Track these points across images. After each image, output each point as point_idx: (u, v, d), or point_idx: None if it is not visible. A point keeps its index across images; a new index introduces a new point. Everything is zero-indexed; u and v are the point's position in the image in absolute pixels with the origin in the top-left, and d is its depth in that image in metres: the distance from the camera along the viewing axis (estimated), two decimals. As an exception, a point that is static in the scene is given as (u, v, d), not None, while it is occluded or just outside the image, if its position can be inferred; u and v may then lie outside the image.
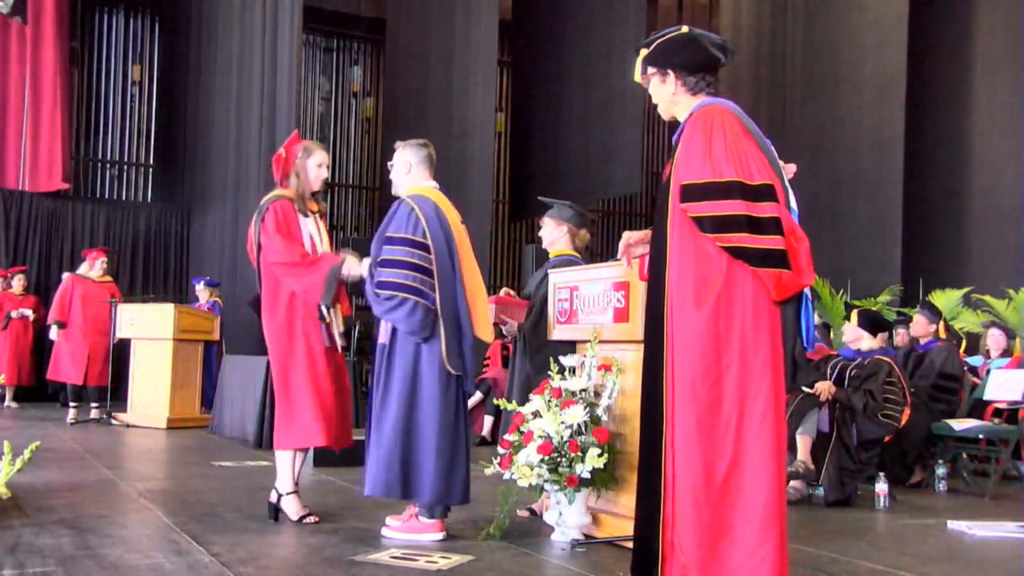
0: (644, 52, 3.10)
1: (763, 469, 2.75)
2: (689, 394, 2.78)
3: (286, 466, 4.58)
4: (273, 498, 4.58)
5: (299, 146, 4.77)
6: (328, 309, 4.55)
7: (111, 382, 10.05)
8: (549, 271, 4.97)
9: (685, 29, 3.13)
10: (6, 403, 11.50)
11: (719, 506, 2.74)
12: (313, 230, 4.67)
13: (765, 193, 2.81)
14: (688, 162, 2.86)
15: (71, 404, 9.95)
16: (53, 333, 10.14)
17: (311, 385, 4.52)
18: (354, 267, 4.48)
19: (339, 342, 4.67)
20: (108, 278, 10.58)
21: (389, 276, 4.20)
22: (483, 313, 4.32)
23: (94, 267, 10.36)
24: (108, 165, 14.96)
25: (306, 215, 4.66)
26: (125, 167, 15.10)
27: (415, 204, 4.29)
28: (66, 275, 10.69)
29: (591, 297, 4.48)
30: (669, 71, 3.03)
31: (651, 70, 3.07)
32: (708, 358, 2.76)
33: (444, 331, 4.19)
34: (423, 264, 4.21)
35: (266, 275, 4.60)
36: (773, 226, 2.79)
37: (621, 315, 4.28)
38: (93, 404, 10.02)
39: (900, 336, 8.14)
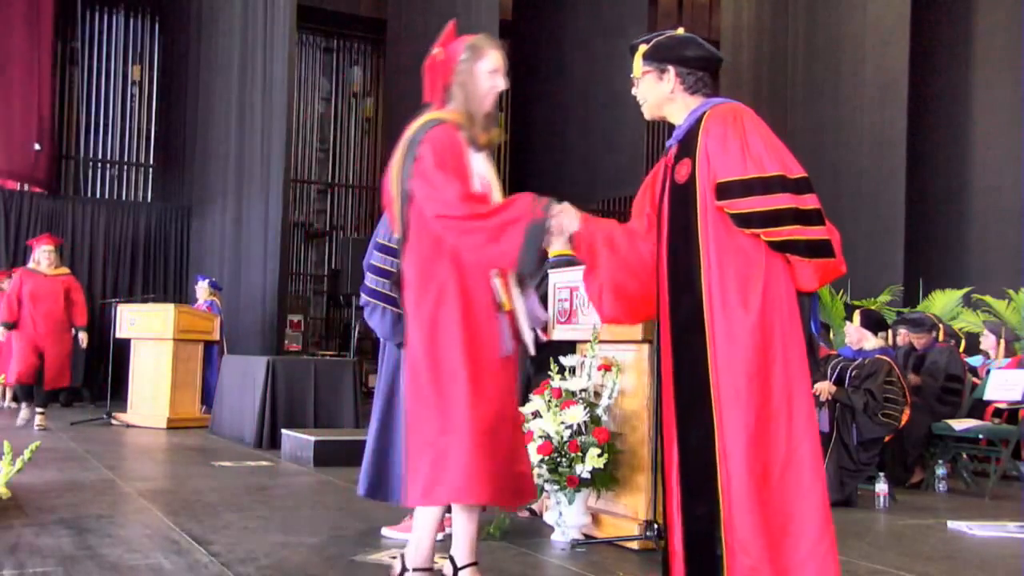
0: (644, 48, 3.06)
1: (815, 460, 2.74)
2: (744, 392, 2.74)
3: (426, 529, 3.18)
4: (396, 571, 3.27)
5: (461, 43, 3.37)
6: (519, 286, 3.17)
7: (111, 382, 10.02)
8: (549, 271, 4.97)
9: (681, 31, 3.11)
10: (5, 403, 11.52)
11: (780, 502, 2.71)
12: (486, 171, 3.28)
13: (805, 185, 2.81)
14: (724, 160, 2.82)
15: (22, 403, 9.30)
16: (0, 335, 9.27)
17: (471, 413, 2.98)
18: (569, 220, 3.01)
19: (524, 339, 3.21)
20: (64, 270, 9.53)
21: (368, 282, 4.29)
22: None
23: (37, 259, 9.27)
24: (108, 165, 14.96)
25: (477, 149, 3.25)
26: (125, 167, 15.11)
27: None
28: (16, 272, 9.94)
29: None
30: (669, 67, 2.99)
31: (646, 67, 3.04)
32: (758, 355, 2.74)
33: None
34: (395, 271, 4.24)
35: (420, 239, 3.14)
36: (818, 217, 2.81)
37: (621, 315, 4.27)
38: (38, 409, 8.98)
39: (901, 336, 8.14)
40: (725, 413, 2.77)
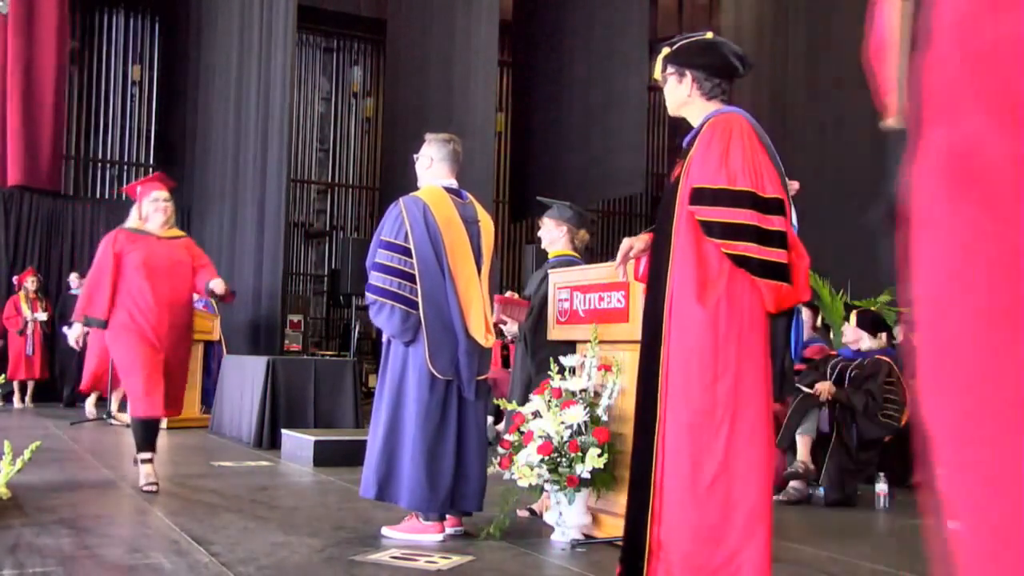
0: (666, 51, 3.15)
1: (751, 475, 2.78)
2: (682, 395, 2.81)
3: None
4: None
5: None
6: None
7: (111, 382, 9.96)
8: (549, 271, 4.98)
9: (709, 35, 3.18)
10: (15, 404, 11.56)
11: (705, 508, 2.77)
12: None
13: (775, 207, 2.86)
14: (703, 166, 2.90)
15: (141, 457, 5.44)
16: (75, 335, 5.61)
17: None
18: None
19: None
20: (179, 232, 6.02)
21: (374, 280, 4.27)
22: (478, 316, 4.29)
23: (145, 211, 5.74)
24: (108, 165, 14.96)
25: None
26: (125, 167, 15.10)
27: (404, 206, 4.31)
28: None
29: (591, 297, 4.49)
30: (687, 72, 3.09)
31: (670, 69, 3.12)
32: (704, 360, 2.79)
33: (428, 335, 4.20)
34: (405, 269, 4.23)
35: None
36: (779, 239, 2.85)
37: (621, 315, 4.28)
38: (146, 456, 5.42)
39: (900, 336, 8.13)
40: (670, 409, 2.83)
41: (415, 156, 4.57)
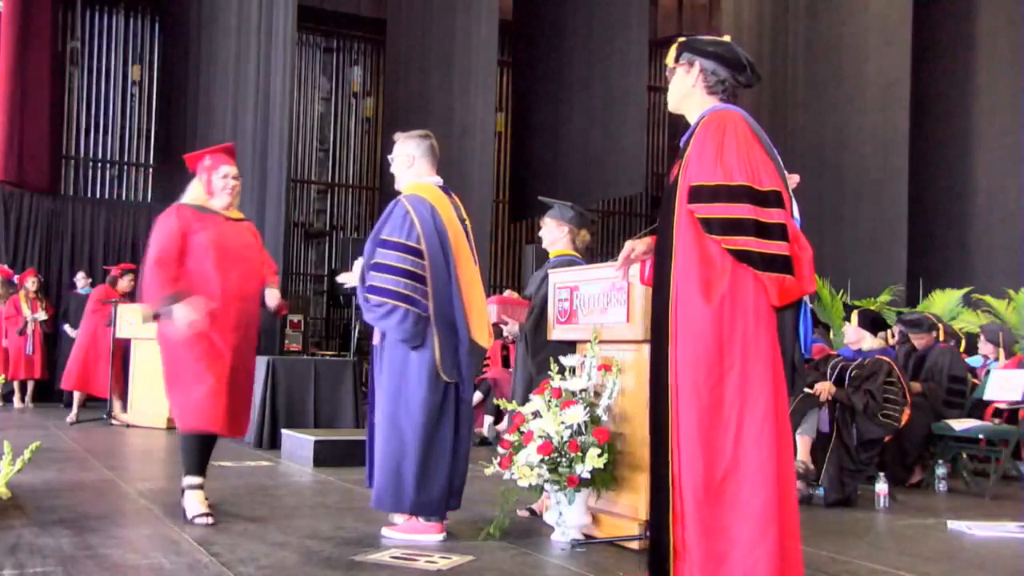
0: (682, 39, 3.16)
1: (762, 472, 2.77)
2: (691, 394, 2.81)
3: None
4: None
5: None
6: None
7: (111, 382, 9.92)
8: (549, 271, 4.98)
9: (727, 37, 3.20)
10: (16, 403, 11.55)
11: (717, 505, 2.77)
12: None
13: (773, 199, 2.86)
14: (699, 164, 2.90)
15: (188, 482, 4.63)
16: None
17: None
18: None
19: None
20: (239, 214, 4.92)
21: (381, 282, 4.15)
22: (480, 317, 4.26)
23: (214, 188, 4.81)
24: (108, 165, 14.95)
25: None
26: (125, 167, 15.10)
27: (410, 206, 4.22)
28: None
29: (591, 297, 4.49)
30: (697, 61, 3.09)
31: (682, 59, 3.12)
32: (711, 358, 2.79)
33: (438, 339, 4.14)
34: (416, 271, 4.14)
35: None
36: (779, 232, 2.84)
37: (621, 315, 4.28)
38: (196, 480, 4.67)
39: (898, 335, 8.11)
40: (681, 410, 2.84)
41: (390, 157, 4.49)
